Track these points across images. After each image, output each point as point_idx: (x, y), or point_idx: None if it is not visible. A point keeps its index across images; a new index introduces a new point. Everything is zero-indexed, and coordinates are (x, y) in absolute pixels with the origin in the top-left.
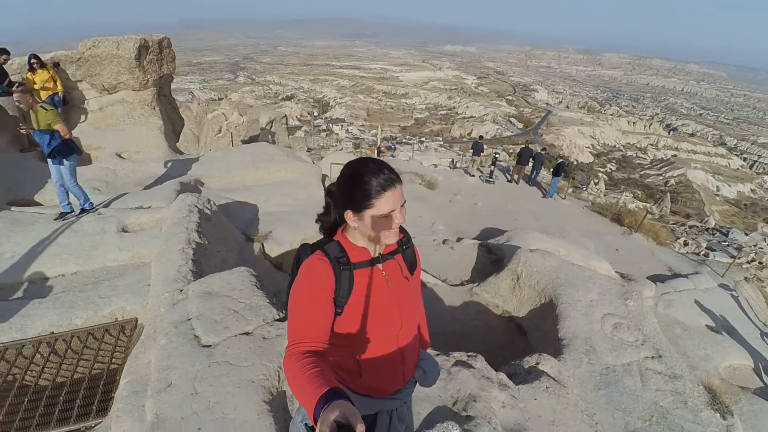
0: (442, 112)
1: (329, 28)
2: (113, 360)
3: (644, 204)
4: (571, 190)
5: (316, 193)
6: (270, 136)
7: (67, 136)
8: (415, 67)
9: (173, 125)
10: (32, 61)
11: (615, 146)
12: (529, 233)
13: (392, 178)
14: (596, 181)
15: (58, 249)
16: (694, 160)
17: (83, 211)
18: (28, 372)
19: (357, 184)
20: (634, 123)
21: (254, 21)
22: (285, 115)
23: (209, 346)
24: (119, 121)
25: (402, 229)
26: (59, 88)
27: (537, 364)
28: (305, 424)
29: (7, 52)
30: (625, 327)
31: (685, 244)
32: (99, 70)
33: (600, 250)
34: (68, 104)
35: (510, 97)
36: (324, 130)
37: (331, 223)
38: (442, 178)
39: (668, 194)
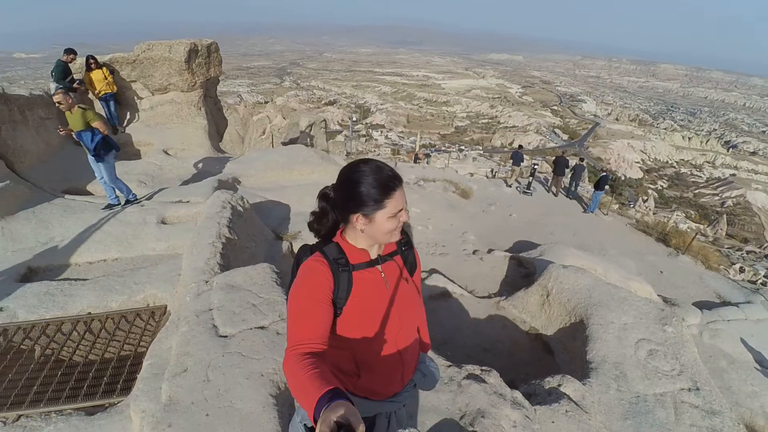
0: (484, 121)
1: (375, 35)
2: (141, 343)
3: (697, 225)
4: (617, 206)
5: None
6: (308, 139)
7: (106, 132)
8: (457, 74)
9: (217, 125)
10: (90, 61)
11: (667, 162)
12: (564, 248)
13: (397, 177)
14: (645, 198)
15: (102, 236)
16: (756, 181)
17: (128, 202)
18: (65, 347)
19: (366, 187)
20: (689, 138)
21: (304, 26)
22: (324, 119)
23: (225, 336)
24: (168, 119)
25: (402, 230)
26: (113, 87)
27: (559, 385)
28: (304, 424)
29: (74, 52)
30: (661, 354)
31: (741, 270)
32: (152, 72)
33: (642, 271)
34: (121, 104)
35: (555, 108)
36: (364, 136)
37: (328, 228)
38: (476, 188)
39: (724, 216)
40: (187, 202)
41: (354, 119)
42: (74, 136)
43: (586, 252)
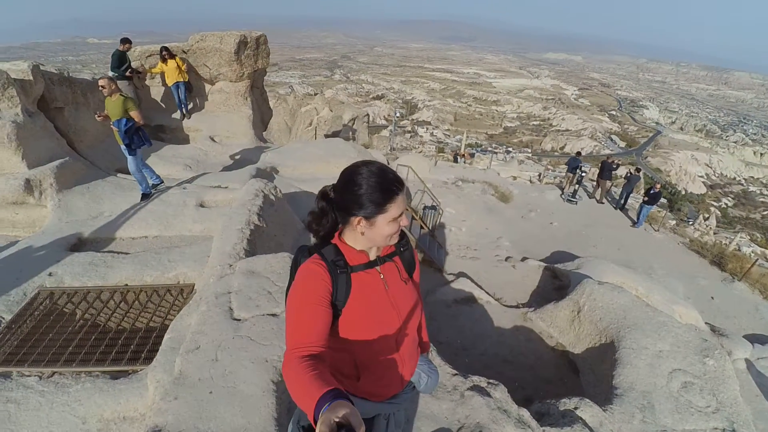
0: (535, 123)
1: (427, 30)
2: (168, 317)
3: (762, 250)
4: (674, 221)
5: None
6: (351, 133)
7: (141, 123)
8: (510, 73)
9: (262, 115)
10: (163, 52)
11: (734, 179)
12: (604, 263)
13: (400, 182)
14: (706, 216)
15: (146, 214)
16: None
17: (154, 186)
18: (101, 314)
19: (368, 191)
20: (761, 154)
21: (357, 20)
22: (367, 113)
23: (239, 320)
24: (216, 107)
25: (401, 232)
26: (185, 76)
27: (575, 408)
28: (301, 426)
29: (129, 41)
30: (696, 388)
31: None
32: (204, 61)
33: (691, 295)
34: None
35: (614, 112)
36: (409, 132)
37: (327, 229)
38: (518, 192)
39: None
40: (226, 187)
41: (398, 114)
42: (112, 125)
43: (629, 269)
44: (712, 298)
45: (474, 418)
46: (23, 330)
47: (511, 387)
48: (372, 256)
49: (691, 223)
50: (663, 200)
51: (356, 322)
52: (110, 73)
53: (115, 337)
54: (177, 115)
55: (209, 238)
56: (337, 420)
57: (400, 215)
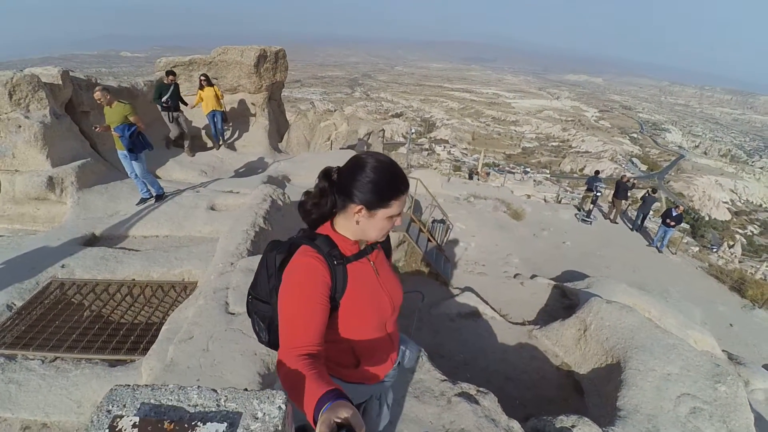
0: (554, 144)
1: (448, 50)
2: (169, 312)
3: None
4: (697, 248)
5: None
6: (365, 147)
7: (142, 128)
8: (529, 94)
9: (278, 126)
10: (201, 79)
11: (761, 206)
12: (615, 284)
13: (407, 182)
14: (731, 243)
15: (158, 214)
16: None
17: (158, 197)
18: (106, 306)
19: (379, 182)
20: None
21: (380, 40)
22: (383, 129)
23: (233, 314)
24: (234, 117)
25: None
26: (222, 106)
27: (573, 426)
28: (293, 426)
29: (173, 74)
30: (706, 415)
31: None
32: (225, 73)
33: (708, 321)
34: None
35: (635, 135)
36: (426, 149)
37: (323, 213)
38: (531, 210)
39: None
40: (237, 192)
41: (413, 131)
42: (113, 131)
43: (642, 291)
44: (731, 325)
45: (459, 424)
46: (32, 316)
47: (511, 405)
48: (362, 246)
49: (715, 250)
50: (685, 225)
51: (355, 311)
52: (154, 102)
53: (117, 328)
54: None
55: (217, 239)
56: (337, 420)
57: (398, 214)
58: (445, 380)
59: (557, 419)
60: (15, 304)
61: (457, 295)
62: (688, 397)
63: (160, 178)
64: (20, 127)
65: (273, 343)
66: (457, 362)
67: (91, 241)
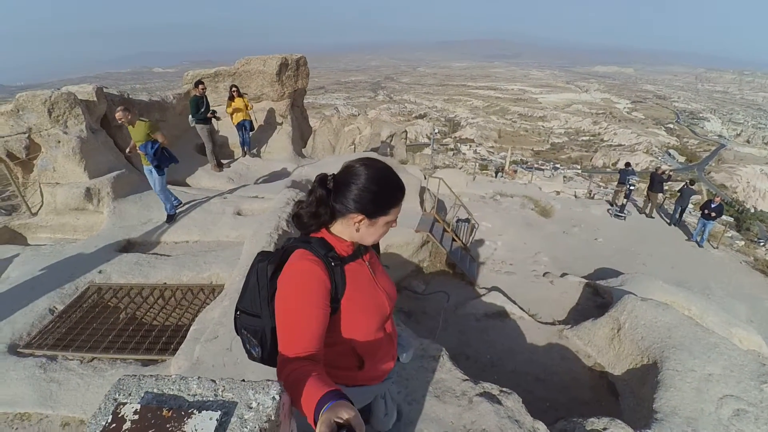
0: (584, 138)
1: (470, 49)
2: (198, 314)
3: None
4: (742, 242)
5: (410, 203)
6: (389, 149)
7: (165, 143)
8: (557, 88)
9: (301, 132)
10: (232, 89)
11: None
12: (651, 280)
13: (403, 188)
14: None
15: (188, 221)
16: None
17: (169, 217)
18: (140, 308)
19: (381, 192)
20: None
21: (400, 43)
22: (405, 131)
23: None
24: (258, 125)
25: None
26: (248, 116)
27: (603, 429)
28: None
29: (202, 83)
30: (751, 417)
31: None
32: (248, 83)
33: (755, 318)
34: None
35: (671, 126)
36: (452, 149)
37: (322, 223)
38: (560, 207)
39: None
40: (262, 198)
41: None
42: (138, 150)
43: (680, 288)
44: None
45: (480, 424)
46: (72, 319)
47: (541, 407)
48: (355, 246)
49: (762, 243)
50: (729, 218)
51: (356, 312)
52: (191, 119)
53: (150, 330)
54: (238, 152)
55: (243, 243)
56: (337, 420)
57: (395, 219)
58: (467, 380)
59: (587, 421)
60: (56, 308)
61: (484, 294)
62: (731, 398)
63: (189, 186)
64: (59, 142)
65: (268, 358)
66: (484, 363)
67: (126, 247)
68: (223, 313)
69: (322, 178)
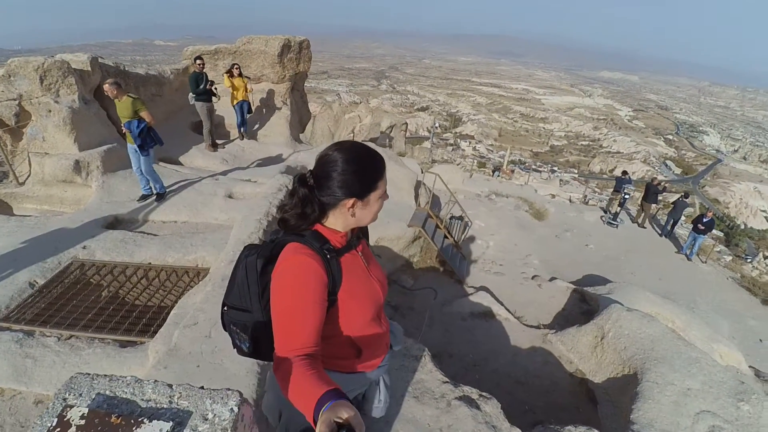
0: (583, 143)
1: (477, 44)
2: (181, 297)
3: None
4: (729, 258)
5: (405, 197)
6: (387, 140)
7: (152, 123)
8: (560, 91)
9: (300, 117)
10: (234, 67)
11: None
12: (638, 290)
13: (382, 157)
14: None
15: (178, 200)
16: None
17: (159, 195)
18: (123, 287)
19: (364, 171)
20: None
21: (407, 33)
22: (406, 123)
23: None
24: (256, 107)
25: None
26: (247, 98)
27: None
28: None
29: (202, 59)
30: None
31: None
32: (249, 63)
33: (737, 335)
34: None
35: (670, 137)
36: (451, 145)
37: (313, 221)
38: (554, 210)
39: None
40: (255, 182)
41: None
42: (123, 127)
43: (666, 300)
44: (761, 340)
45: (456, 428)
46: (52, 295)
47: (521, 410)
48: (348, 237)
49: (749, 260)
50: (719, 233)
51: (353, 303)
52: (190, 96)
53: (131, 310)
54: (234, 133)
55: (232, 226)
56: (337, 420)
57: (385, 190)
58: (447, 382)
59: (564, 429)
60: (37, 282)
61: (472, 294)
62: (707, 414)
63: (182, 164)
64: (50, 111)
65: (259, 352)
66: (467, 363)
67: (113, 224)
68: (205, 299)
69: (301, 177)
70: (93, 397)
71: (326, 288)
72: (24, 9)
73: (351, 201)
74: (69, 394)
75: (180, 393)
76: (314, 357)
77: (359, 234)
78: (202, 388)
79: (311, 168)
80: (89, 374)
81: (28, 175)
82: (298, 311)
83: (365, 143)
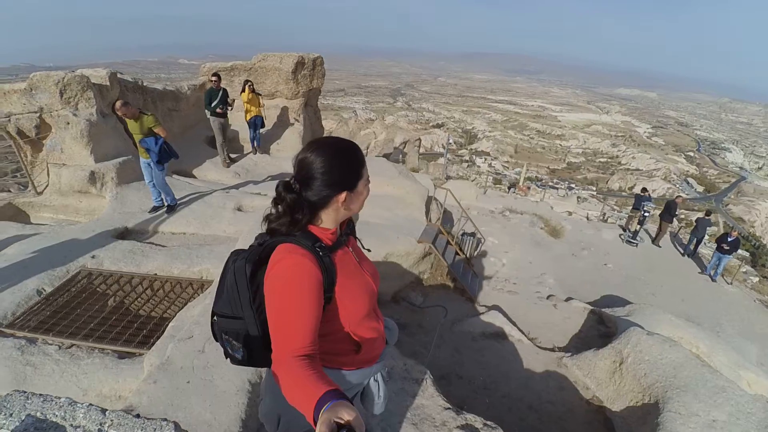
0: (601, 160)
1: (492, 62)
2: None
3: None
4: (756, 279)
5: (415, 212)
6: (401, 156)
7: (166, 136)
8: (577, 108)
9: (313, 132)
10: (249, 85)
11: None
12: (659, 313)
13: (355, 143)
14: None
15: (188, 212)
16: None
17: (170, 207)
18: (127, 297)
19: (344, 162)
20: None
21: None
22: (419, 138)
23: None
24: (270, 122)
25: None
26: (260, 112)
27: None
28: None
29: (219, 76)
30: None
31: None
32: (263, 79)
33: (766, 361)
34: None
35: (691, 154)
36: (467, 161)
37: (304, 224)
38: (570, 228)
39: None
40: (265, 195)
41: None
42: (139, 144)
43: (690, 323)
44: None
45: None
46: (58, 303)
47: None
48: (337, 234)
49: None
50: (745, 253)
51: (349, 300)
52: (207, 112)
53: (133, 321)
54: (248, 147)
55: (238, 239)
56: (338, 421)
57: (367, 173)
58: (449, 408)
59: None
60: (44, 290)
61: (483, 313)
62: None
63: (195, 177)
64: (68, 123)
65: (253, 359)
66: (476, 386)
67: (124, 234)
68: (202, 312)
69: (286, 184)
70: (23, 418)
71: (322, 286)
72: (49, 25)
73: (343, 195)
74: (0, 414)
75: (112, 420)
76: (313, 357)
77: (347, 230)
78: (138, 416)
79: (293, 174)
80: (25, 392)
81: (47, 185)
82: (295, 312)
83: (335, 137)
